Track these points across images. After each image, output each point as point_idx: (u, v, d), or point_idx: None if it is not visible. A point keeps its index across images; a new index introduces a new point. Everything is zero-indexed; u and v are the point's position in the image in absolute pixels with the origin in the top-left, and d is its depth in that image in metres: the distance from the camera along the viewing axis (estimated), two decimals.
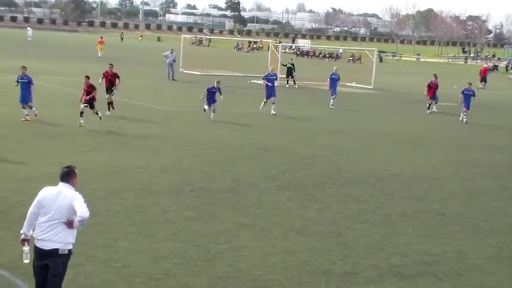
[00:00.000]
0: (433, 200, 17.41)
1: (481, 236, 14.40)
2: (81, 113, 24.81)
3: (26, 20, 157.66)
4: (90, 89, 25.26)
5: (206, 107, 29.06)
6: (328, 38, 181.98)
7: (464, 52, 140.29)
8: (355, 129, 29.61)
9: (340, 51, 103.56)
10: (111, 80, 28.85)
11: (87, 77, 25.41)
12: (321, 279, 11.25)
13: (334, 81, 37.53)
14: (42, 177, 16.12)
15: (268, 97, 32.65)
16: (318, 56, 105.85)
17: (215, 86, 29.26)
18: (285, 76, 51.40)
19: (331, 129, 29.09)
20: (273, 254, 12.36)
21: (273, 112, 31.73)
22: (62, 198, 8.55)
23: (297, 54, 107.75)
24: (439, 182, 19.76)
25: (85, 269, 10.97)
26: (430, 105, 37.80)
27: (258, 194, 16.90)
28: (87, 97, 25.13)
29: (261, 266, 11.71)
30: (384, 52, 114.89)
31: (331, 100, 36.87)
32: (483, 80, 63.63)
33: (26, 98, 25.45)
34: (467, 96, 34.49)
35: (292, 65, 51.34)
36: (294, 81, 50.91)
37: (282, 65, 52.44)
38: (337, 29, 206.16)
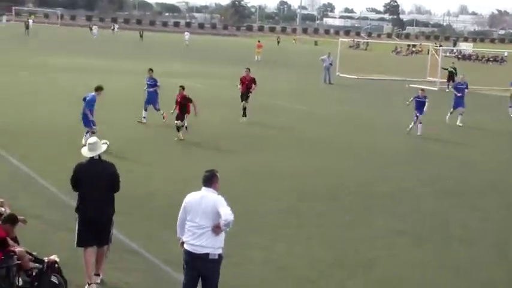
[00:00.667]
0: None
1: None
2: (178, 128, 22.37)
3: (188, 25, 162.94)
4: (184, 101, 22.44)
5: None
6: (492, 41, 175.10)
7: None
8: None
9: (506, 54, 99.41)
10: (247, 86, 27.36)
11: (182, 87, 22.81)
12: None
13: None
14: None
15: (455, 107, 30.08)
16: (481, 60, 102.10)
17: (420, 95, 26.55)
18: (445, 80, 49.95)
19: (498, 134, 27.90)
20: (432, 262, 11.94)
21: (459, 123, 29.34)
22: (205, 203, 8.61)
23: (458, 58, 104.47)
24: None
25: (243, 268, 11.07)
26: None
27: (416, 199, 16.45)
28: (180, 111, 22.36)
29: (421, 274, 11.34)
30: None
31: None
32: None
33: (151, 101, 25.21)
34: None
35: (454, 68, 49.71)
36: None
37: (443, 68, 50.97)
38: (502, 32, 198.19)
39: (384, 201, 16.10)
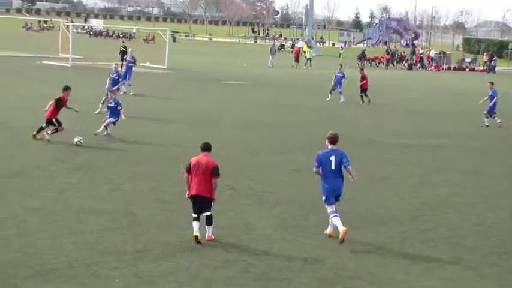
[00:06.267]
0: (224, 176, 17.91)
1: (267, 208, 15.09)
2: None
3: None
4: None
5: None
6: (122, 17, 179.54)
7: (253, 32, 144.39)
8: (151, 110, 29.68)
9: (134, 31, 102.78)
10: None
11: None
12: (112, 258, 11.34)
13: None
14: None
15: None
16: (112, 36, 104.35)
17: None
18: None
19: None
20: (63, 235, 12.27)
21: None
22: None
23: (90, 35, 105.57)
24: (229, 158, 20.36)
25: None
26: None
27: (48, 176, 16.60)
28: None
29: (50, 249, 11.59)
30: (177, 32, 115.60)
31: None
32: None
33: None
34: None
35: (125, 47, 49.05)
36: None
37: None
38: (131, 9, 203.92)
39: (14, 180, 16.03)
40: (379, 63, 77.99)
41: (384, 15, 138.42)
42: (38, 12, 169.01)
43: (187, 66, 56.19)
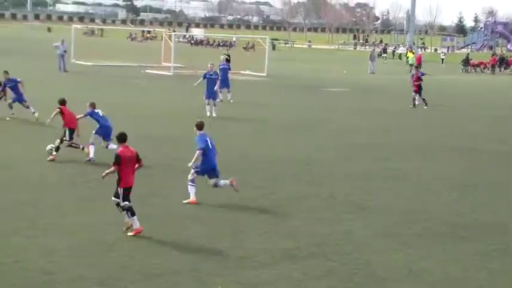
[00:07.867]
0: (323, 183, 17.85)
1: (367, 216, 14.91)
2: None
3: None
4: None
5: None
6: (222, 26, 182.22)
7: (354, 38, 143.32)
8: (249, 116, 29.89)
9: (234, 39, 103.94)
10: None
11: None
12: (215, 265, 11.47)
13: (223, 71, 35.72)
14: None
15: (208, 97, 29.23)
16: (212, 45, 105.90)
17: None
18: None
19: (226, 117, 29.29)
20: (168, 242, 12.51)
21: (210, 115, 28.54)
22: None
23: (191, 44, 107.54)
24: (325, 165, 20.22)
25: None
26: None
27: (151, 183, 16.95)
28: None
29: (156, 254, 11.84)
30: (277, 40, 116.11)
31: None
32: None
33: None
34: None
35: (228, 55, 48.81)
36: None
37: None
38: (230, 18, 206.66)
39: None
40: (484, 69, 75.86)
41: (490, 18, 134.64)
42: (141, 22, 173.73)
43: (286, 74, 56.28)
